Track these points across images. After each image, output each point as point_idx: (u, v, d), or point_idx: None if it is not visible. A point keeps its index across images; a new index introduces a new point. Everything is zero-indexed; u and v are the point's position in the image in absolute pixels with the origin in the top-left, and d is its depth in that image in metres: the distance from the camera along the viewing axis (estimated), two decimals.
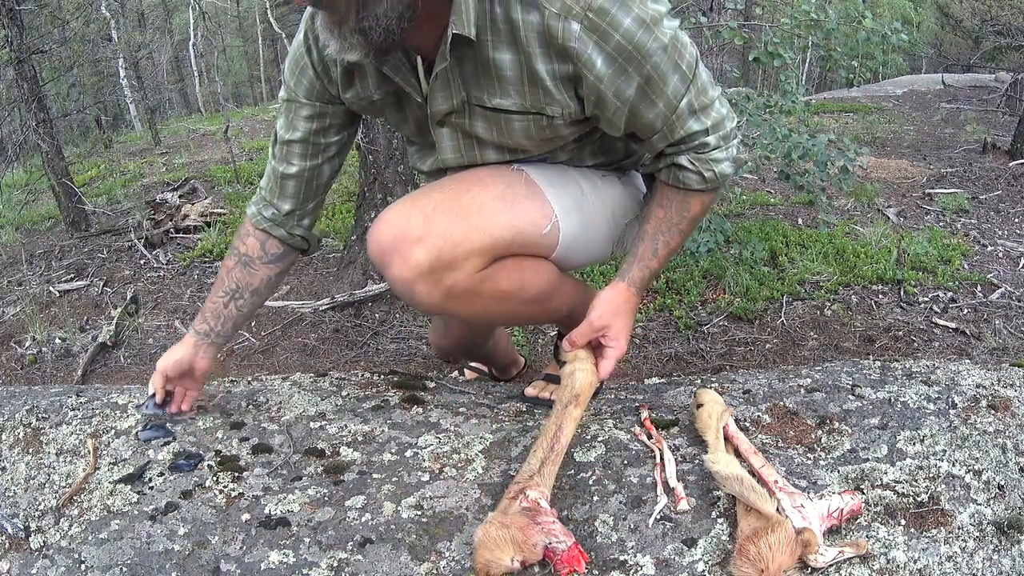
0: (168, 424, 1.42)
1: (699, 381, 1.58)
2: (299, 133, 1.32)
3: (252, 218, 1.41)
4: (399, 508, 1.21)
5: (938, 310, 2.95)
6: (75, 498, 1.27)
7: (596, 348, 1.29)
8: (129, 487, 1.28)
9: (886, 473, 1.17)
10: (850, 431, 1.27)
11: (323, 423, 1.45)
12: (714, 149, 1.16)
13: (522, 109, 1.13)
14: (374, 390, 1.60)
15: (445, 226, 1.12)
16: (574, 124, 1.19)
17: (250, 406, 1.52)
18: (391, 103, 1.25)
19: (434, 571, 1.10)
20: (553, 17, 1.01)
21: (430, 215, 1.13)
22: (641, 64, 1.05)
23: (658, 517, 1.13)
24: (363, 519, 1.19)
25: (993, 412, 1.29)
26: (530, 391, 1.56)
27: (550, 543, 1.04)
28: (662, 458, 1.24)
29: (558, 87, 1.09)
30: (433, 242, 1.11)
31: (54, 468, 1.35)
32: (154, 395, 1.42)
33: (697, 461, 1.23)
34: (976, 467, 1.16)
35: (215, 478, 1.29)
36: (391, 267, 1.15)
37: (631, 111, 1.11)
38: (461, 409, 1.50)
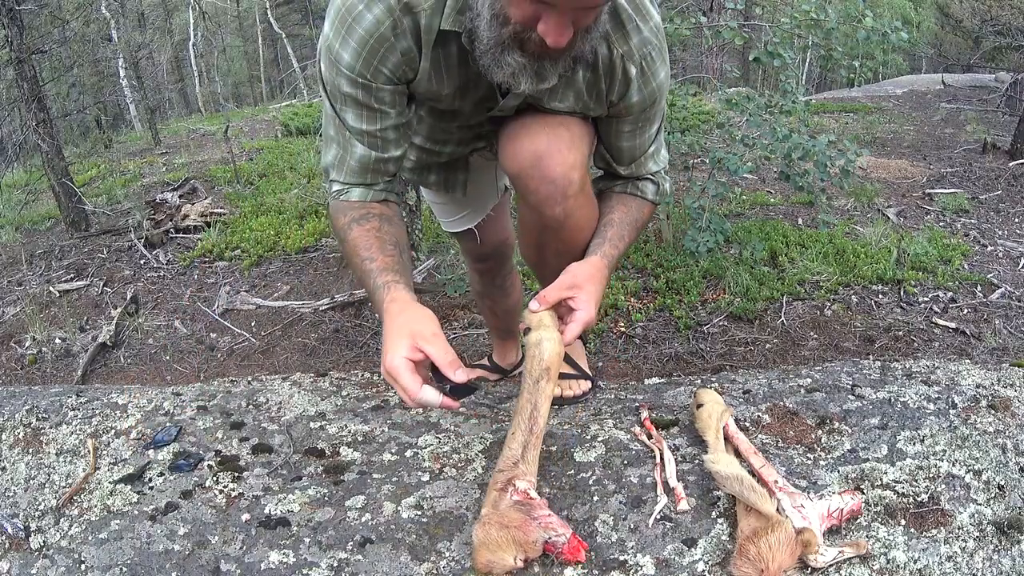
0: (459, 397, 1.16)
1: (699, 381, 1.59)
2: (391, 120, 1.28)
3: (363, 197, 1.34)
4: (399, 508, 1.21)
5: (938, 310, 2.95)
6: (75, 498, 1.27)
7: (562, 316, 1.28)
8: (129, 487, 1.28)
9: (886, 473, 1.17)
10: (850, 431, 1.27)
11: (323, 423, 1.45)
12: (663, 175, 1.48)
13: (571, 110, 1.33)
14: (374, 390, 1.60)
15: (571, 140, 1.33)
16: None
17: (250, 406, 1.52)
18: (451, 96, 1.33)
19: (434, 571, 1.10)
20: (619, 57, 1.24)
21: (564, 135, 1.32)
22: (650, 108, 1.33)
23: (658, 517, 1.13)
24: (363, 519, 1.19)
25: (993, 412, 1.29)
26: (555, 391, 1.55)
27: (550, 538, 1.05)
28: (662, 458, 1.24)
29: (607, 99, 1.32)
30: (579, 148, 1.33)
31: (54, 468, 1.35)
32: (447, 384, 1.13)
33: (697, 461, 1.23)
34: (976, 467, 1.16)
35: (215, 478, 1.29)
36: (551, 163, 1.29)
37: (620, 131, 1.37)
38: (461, 409, 1.50)
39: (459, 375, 1.12)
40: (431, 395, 1.11)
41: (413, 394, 1.11)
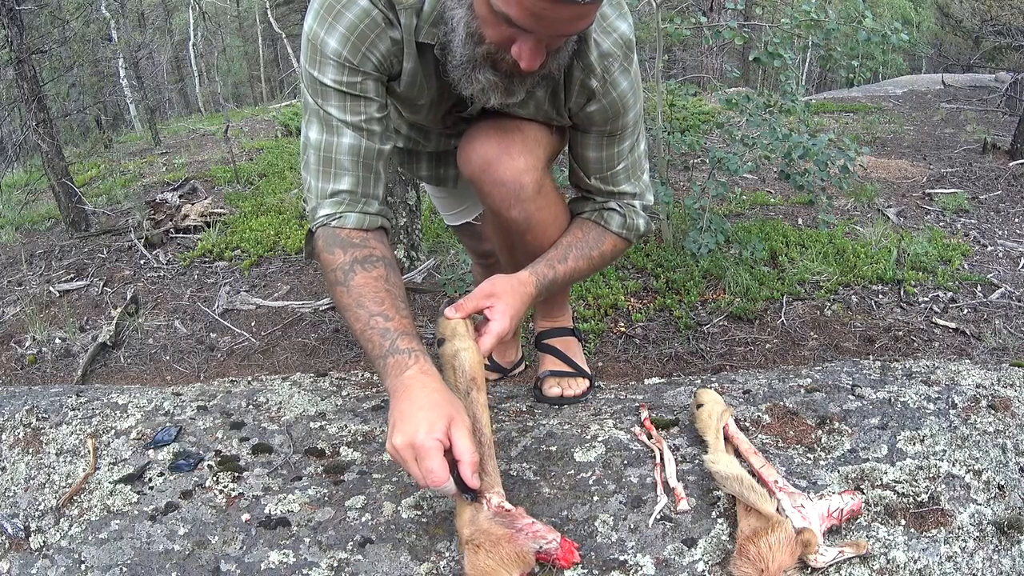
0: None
1: (699, 381, 1.59)
2: (374, 109, 1.24)
3: (359, 224, 1.25)
4: (399, 508, 1.21)
5: (938, 310, 2.95)
6: (75, 498, 1.27)
7: (479, 327, 1.26)
8: (129, 487, 1.28)
9: (886, 473, 1.17)
10: (850, 431, 1.27)
11: (323, 423, 1.45)
12: (638, 210, 1.44)
13: (534, 118, 1.35)
14: (374, 390, 1.60)
15: (524, 144, 1.36)
16: None
17: (250, 406, 1.52)
18: (426, 103, 1.35)
19: (434, 571, 1.10)
20: (579, 69, 1.24)
21: (516, 139, 1.34)
22: (614, 120, 1.32)
23: (658, 517, 1.13)
24: (363, 519, 1.19)
25: (993, 412, 1.29)
26: (555, 391, 1.56)
27: (540, 547, 1.03)
28: (662, 458, 1.24)
29: (568, 110, 1.34)
30: (533, 152, 1.35)
31: (54, 468, 1.35)
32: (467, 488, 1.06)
33: (697, 461, 1.23)
34: (976, 467, 1.16)
35: (215, 478, 1.29)
36: (499, 168, 1.32)
37: (586, 141, 1.37)
38: None
39: (475, 480, 1.05)
40: (452, 487, 1.03)
41: (439, 480, 1.01)
